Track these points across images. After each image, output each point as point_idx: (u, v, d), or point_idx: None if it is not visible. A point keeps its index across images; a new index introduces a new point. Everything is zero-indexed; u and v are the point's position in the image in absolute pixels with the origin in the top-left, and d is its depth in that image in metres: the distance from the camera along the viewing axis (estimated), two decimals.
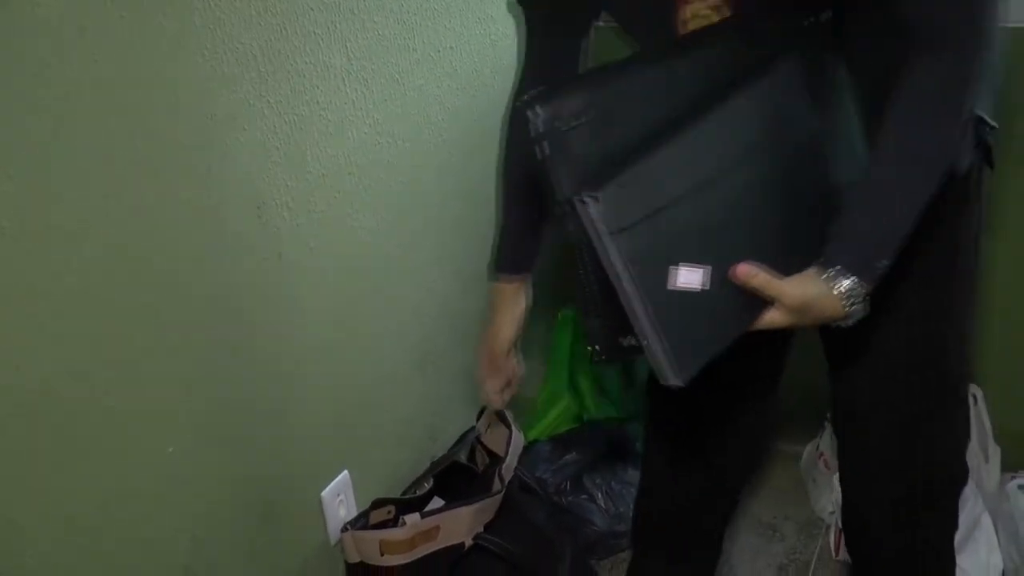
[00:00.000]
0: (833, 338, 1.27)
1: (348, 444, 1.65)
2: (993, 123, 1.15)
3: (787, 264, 0.98)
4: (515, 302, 1.42)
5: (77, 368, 1.08)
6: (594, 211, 0.85)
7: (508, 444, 1.69)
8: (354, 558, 1.61)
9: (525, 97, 0.86)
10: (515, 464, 1.70)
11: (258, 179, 1.32)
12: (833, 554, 2.06)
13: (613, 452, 2.09)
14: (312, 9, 1.36)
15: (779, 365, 1.49)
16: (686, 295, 0.91)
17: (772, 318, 1.00)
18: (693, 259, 0.90)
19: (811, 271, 0.99)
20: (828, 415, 2.17)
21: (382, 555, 1.58)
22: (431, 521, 1.59)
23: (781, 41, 0.99)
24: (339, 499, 1.64)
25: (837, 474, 1.96)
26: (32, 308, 1.01)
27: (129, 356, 1.15)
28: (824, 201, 1.00)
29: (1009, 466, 1.99)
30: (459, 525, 1.59)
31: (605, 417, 2.26)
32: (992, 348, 2.10)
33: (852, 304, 0.98)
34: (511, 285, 1.41)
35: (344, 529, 1.60)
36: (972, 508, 1.86)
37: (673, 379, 0.91)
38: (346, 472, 1.65)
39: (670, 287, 0.89)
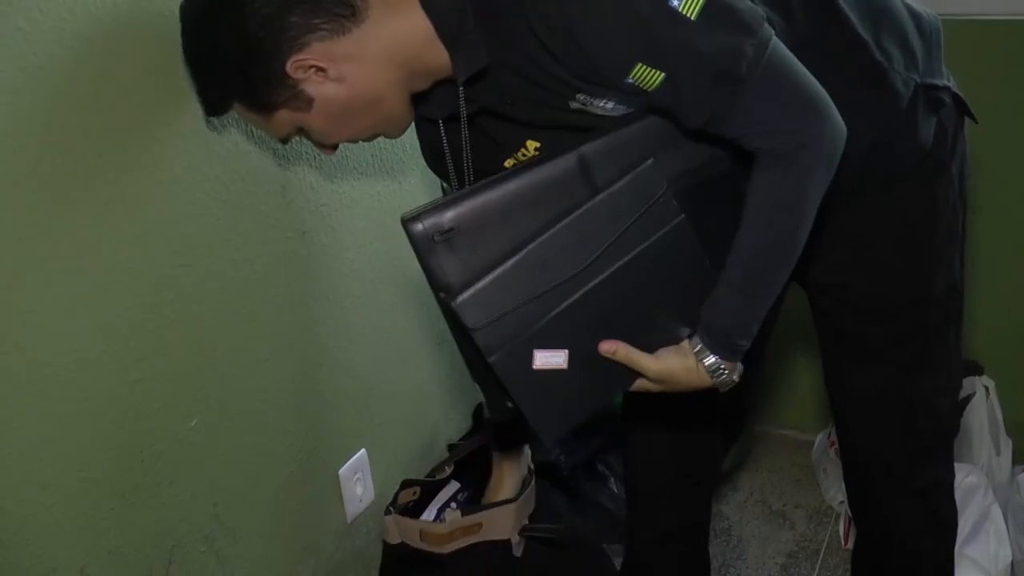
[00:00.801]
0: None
1: (366, 423, 1.68)
2: (945, 82, 1.21)
3: (662, 337, 1.10)
4: None
5: (106, 335, 1.11)
6: (460, 311, 0.99)
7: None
8: (395, 539, 1.65)
9: (404, 214, 1.00)
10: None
11: (283, 159, 1.35)
12: (843, 543, 2.08)
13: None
14: None
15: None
16: (552, 372, 1.03)
17: (642, 384, 1.11)
18: (558, 338, 1.03)
19: (682, 345, 1.10)
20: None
21: (421, 540, 1.62)
22: (473, 519, 1.62)
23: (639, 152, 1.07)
24: (356, 477, 1.66)
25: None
26: (74, 283, 1.04)
27: (154, 326, 1.18)
28: (701, 279, 1.08)
29: (1020, 459, 2.00)
30: (503, 523, 1.62)
31: (617, 402, 2.27)
32: (1004, 342, 2.12)
33: (719, 376, 1.09)
34: None
35: (387, 512, 1.65)
36: (982, 499, 1.87)
37: (544, 440, 1.10)
38: (364, 451, 1.67)
39: (534, 367, 1.03)
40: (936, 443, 1.44)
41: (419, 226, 0.99)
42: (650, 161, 1.06)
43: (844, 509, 2.08)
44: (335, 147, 1.13)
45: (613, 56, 0.95)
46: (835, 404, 1.48)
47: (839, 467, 2.10)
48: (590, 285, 1.04)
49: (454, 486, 1.77)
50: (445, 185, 1.28)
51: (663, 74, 0.95)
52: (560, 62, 0.98)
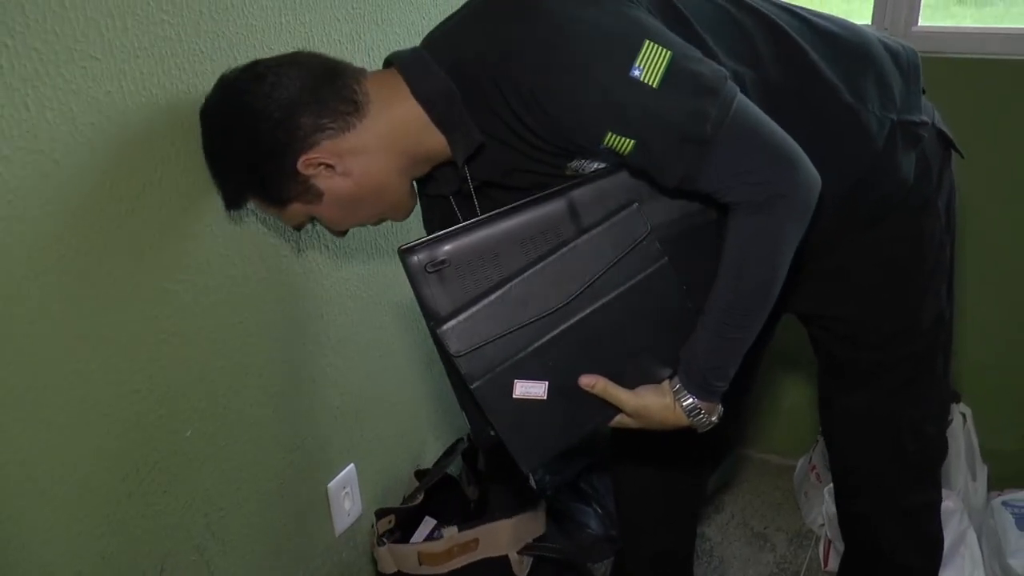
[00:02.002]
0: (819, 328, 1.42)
1: (356, 438, 1.71)
2: (923, 117, 1.24)
3: (642, 374, 1.13)
4: None
5: (104, 347, 1.15)
6: (445, 338, 1.04)
7: None
8: (390, 568, 1.69)
9: (401, 245, 1.06)
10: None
11: None
12: (822, 565, 2.11)
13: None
14: (338, 19, 1.43)
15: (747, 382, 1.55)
16: (532, 402, 1.08)
17: (621, 420, 1.15)
18: (540, 370, 1.07)
19: (660, 385, 1.13)
20: (820, 430, 2.22)
21: (420, 564, 1.65)
22: (469, 535, 1.66)
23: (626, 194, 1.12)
24: (345, 491, 1.70)
25: (828, 486, 2.04)
26: (75, 294, 1.08)
27: (152, 339, 1.22)
28: (681, 321, 1.12)
29: (995, 484, 2.05)
30: (499, 538, 1.66)
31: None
32: (980, 371, 2.16)
33: (696, 416, 1.12)
34: None
35: (380, 543, 1.69)
36: (958, 524, 1.91)
37: (522, 467, 1.12)
38: (352, 466, 1.71)
39: (514, 396, 1.07)
40: (924, 466, 1.49)
41: (414, 258, 1.06)
42: (635, 206, 1.10)
43: (824, 532, 2.12)
44: (345, 232, 1.22)
45: (584, 126, 1.01)
46: (826, 425, 1.53)
47: (819, 491, 2.15)
48: (571, 320, 1.08)
49: (430, 522, 1.80)
50: None
51: (632, 140, 1.00)
52: (538, 134, 1.04)
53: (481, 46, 1.04)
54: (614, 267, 1.09)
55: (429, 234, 1.18)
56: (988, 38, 2.01)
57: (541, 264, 1.07)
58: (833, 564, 2.08)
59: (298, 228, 1.22)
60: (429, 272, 1.06)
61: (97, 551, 1.19)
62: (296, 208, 1.12)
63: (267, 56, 1.12)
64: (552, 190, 1.10)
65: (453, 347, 1.04)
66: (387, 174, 1.11)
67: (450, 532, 1.64)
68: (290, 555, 1.58)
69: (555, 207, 1.09)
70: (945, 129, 1.30)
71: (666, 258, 1.10)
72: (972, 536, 1.91)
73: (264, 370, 1.44)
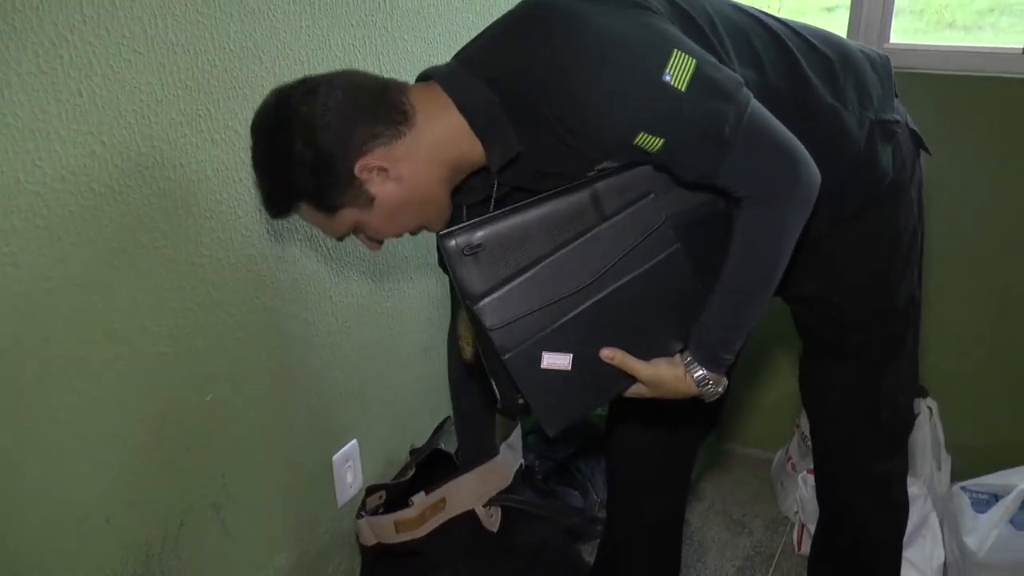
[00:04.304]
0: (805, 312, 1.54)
1: (359, 415, 1.84)
2: (895, 117, 1.35)
3: (655, 348, 1.23)
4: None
5: (137, 312, 1.28)
6: (480, 314, 1.15)
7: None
8: (370, 540, 1.79)
9: (440, 231, 1.16)
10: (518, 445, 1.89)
11: None
12: (795, 548, 2.23)
13: (597, 443, 2.25)
14: (352, 25, 1.57)
15: None
16: (558, 372, 1.19)
17: (636, 389, 1.25)
18: (564, 346, 1.18)
19: (674, 357, 1.23)
20: (796, 423, 2.35)
21: (398, 533, 1.76)
22: (436, 495, 1.76)
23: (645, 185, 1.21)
24: (347, 465, 1.82)
25: (802, 474, 2.16)
26: (116, 266, 1.21)
27: (179, 307, 1.35)
28: (695, 298, 1.22)
29: (958, 475, 2.17)
30: (465, 493, 1.77)
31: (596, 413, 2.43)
32: (946, 367, 2.30)
33: (705, 386, 1.23)
34: None
35: (359, 516, 1.79)
36: (922, 507, 2.03)
37: (548, 430, 1.23)
38: (355, 441, 1.83)
39: (542, 367, 1.18)
40: (895, 435, 1.61)
41: (452, 241, 1.14)
42: (651, 196, 1.20)
43: (798, 518, 2.24)
44: (382, 243, 1.25)
45: (621, 126, 1.10)
46: (809, 400, 1.63)
47: (795, 481, 2.27)
48: (594, 299, 1.18)
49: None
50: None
51: (662, 139, 1.09)
52: (578, 137, 1.13)
53: (523, 60, 1.12)
54: (632, 252, 1.19)
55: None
56: (953, 56, 2.16)
57: (567, 248, 1.17)
58: (806, 548, 2.19)
59: (341, 238, 1.23)
60: (466, 255, 1.14)
61: (125, 499, 1.31)
62: (346, 215, 1.15)
63: (284, 58, 1.25)
64: (576, 183, 1.19)
65: (488, 321, 1.14)
66: (433, 182, 1.17)
67: (419, 498, 1.75)
68: (296, 520, 1.70)
69: (579, 197, 1.18)
70: (915, 128, 1.42)
71: (679, 244, 1.20)
72: (934, 519, 2.03)
73: (277, 344, 1.56)
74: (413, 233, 1.25)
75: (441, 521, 1.78)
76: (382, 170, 1.12)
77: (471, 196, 1.26)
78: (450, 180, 1.20)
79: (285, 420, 1.62)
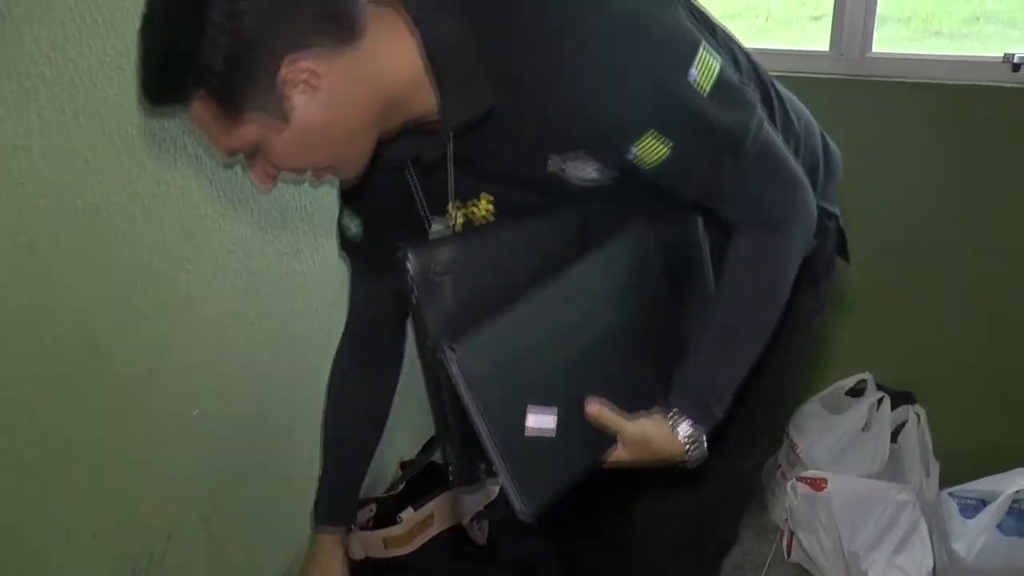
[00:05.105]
0: None
1: None
2: (833, 211, 1.26)
3: (639, 401, 1.06)
4: (333, 555, 1.41)
5: (120, 327, 1.28)
6: (455, 362, 0.92)
7: None
8: (359, 555, 1.78)
9: (400, 247, 0.95)
10: None
11: (280, 187, 1.53)
12: (785, 556, 2.24)
13: None
14: None
15: None
16: (541, 437, 0.98)
17: (618, 455, 1.07)
18: (548, 400, 0.98)
19: (655, 413, 1.06)
20: (786, 431, 2.36)
21: (387, 548, 1.77)
22: (424, 511, 1.77)
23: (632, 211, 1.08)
24: None
25: (791, 482, 2.17)
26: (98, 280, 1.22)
27: (164, 322, 1.35)
28: (675, 345, 1.08)
29: (947, 480, 2.18)
30: (452, 508, 1.77)
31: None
32: (934, 375, 2.32)
33: (693, 445, 1.06)
34: (331, 536, 1.40)
35: (348, 530, 1.77)
36: (911, 514, 2.04)
37: (521, 511, 0.99)
38: None
39: (526, 433, 0.97)
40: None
41: (415, 260, 0.95)
42: (640, 224, 1.07)
43: (787, 527, 2.24)
44: (275, 180, 0.99)
45: (626, 122, 0.93)
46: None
47: (784, 489, 2.28)
48: (582, 342, 1.01)
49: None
50: (354, 264, 1.26)
51: (670, 145, 0.94)
52: (562, 119, 0.94)
53: (520, 10, 0.91)
54: (622, 286, 1.05)
55: (355, 212, 1.12)
56: (935, 64, 2.18)
57: (556, 280, 1.00)
58: (796, 555, 2.20)
59: (230, 156, 0.95)
60: (432, 279, 0.95)
61: (113, 514, 1.31)
62: (250, 126, 0.89)
63: None
64: (560, 204, 1.05)
65: (465, 372, 0.92)
66: (366, 114, 0.94)
67: (408, 514, 1.76)
68: (286, 532, 1.70)
69: (565, 220, 1.04)
70: (844, 231, 1.30)
71: (664, 278, 1.09)
72: (923, 525, 2.04)
73: (265, 360, 1.57)
74: (316, 177, 1.01)
75: (429, 536, 1.79)
76: (310, 80, 0.88)
77: (396, 152, 1.04)
78: (382, 121, 0.96)
79: (274, 431, 1.63)
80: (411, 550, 1.78)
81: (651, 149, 0.94)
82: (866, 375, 2.31)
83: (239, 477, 1.56)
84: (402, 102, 0.96)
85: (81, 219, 1.18)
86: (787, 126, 1.19)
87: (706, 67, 0.93)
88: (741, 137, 0.96)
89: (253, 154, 0.94)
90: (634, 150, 0.94)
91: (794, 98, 1.26)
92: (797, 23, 2.93)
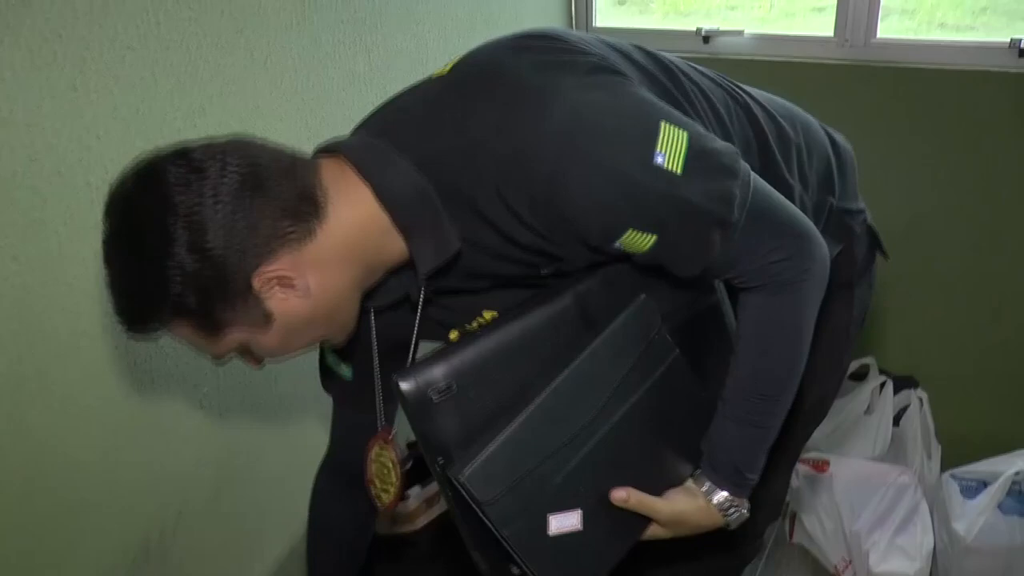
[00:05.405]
0: None
1: None
2: (857, 207, 1.23)
3: (667, 476, 1.04)
4: None
5: None
6: (463, 488, 0.89)
7: None
8: None
9: (394, 375, 0.90)
10: None
11: None
12: (788, 538, 2.25)
13: None
14: (342, 22, 1.60)
15: None
16: (567, 535, 0.95)
17: (654, 531, 1.04)
18: (570, 499, 0.95)
19: (687, 486, 1.04)
20: None
21: (393, 525, 1.79)
22: (431, 489, 1.79)
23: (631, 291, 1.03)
24: None
25: (796, 463, 2.18)
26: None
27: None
28: (699, 409, 1.05)
29: (948, 464, 2.19)
30: None
31: None
32: (936, 359, 2.34)
33: (731, 514, 1.03)
34: None
35: None
36: (912, 496, 2.07)
37: None
38: None
39: (550, 534, 0.94)
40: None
41: (412, 386, 0.90)
42: (643, 297, 1.01)
43: (790, 508, 2.26)
44: (263, 362, 0.98)
45: (603, 225, 0.90)
46: None
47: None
48: (599, 435, 0.97)
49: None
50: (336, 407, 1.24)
51: (654, 236, 0.90)
52: (541, 236, 0.92)
53: (471, 139, 0.89)
54: (629, 367, 0.99)
55: (336, 357, 1.08)
56: (941, 50, 2.18)
57: (562, 377, 0.94)
58: (798, 536, 2.22)
59: (219, 361, 0.95)
60: (434, 401, 0.90)
61: (128, 484, 1.34)
62: (233, 337, 0.89)
63: (274, 53, 1.25)
64: (554, 287, 1.00)
65: (480, 495, 0.89)
66: (345, 291, 0.92)
67: (415, 491, 1.77)
68: (291, 506, 1.71)
69: (562, 305, 0.98)
70: (874, 227, 1.28)
71: (677, 350, 1.03)
72: (924, 507, 2.07)
73: None
74: (305, 351, 0.99)
75: (435, 514, 1.80)
76: (285, 281, 0.87)
77: (382, 298, 1.01)
78: (363, 285, 0.96)
79: (284, 409, 1.64)
80: (417, 527, 1.80)
81: (635, 242, 0.91)
82: (869, 359, 2.33)
83: (250, 453, 1.58)
84: (379, 259, 0.94)
85: (94, 196, 1.20)
86: (785, 146, 1.15)
87: (673, 144, 0.88)
88: (725, 210, 0.91)
89: (244, 351, 0.94)
90: (618, 245, 0.92)
91: (788, 105, 1.21)
92: (800, 15, 2.93)
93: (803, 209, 1.12)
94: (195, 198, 0.81)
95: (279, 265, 0.85)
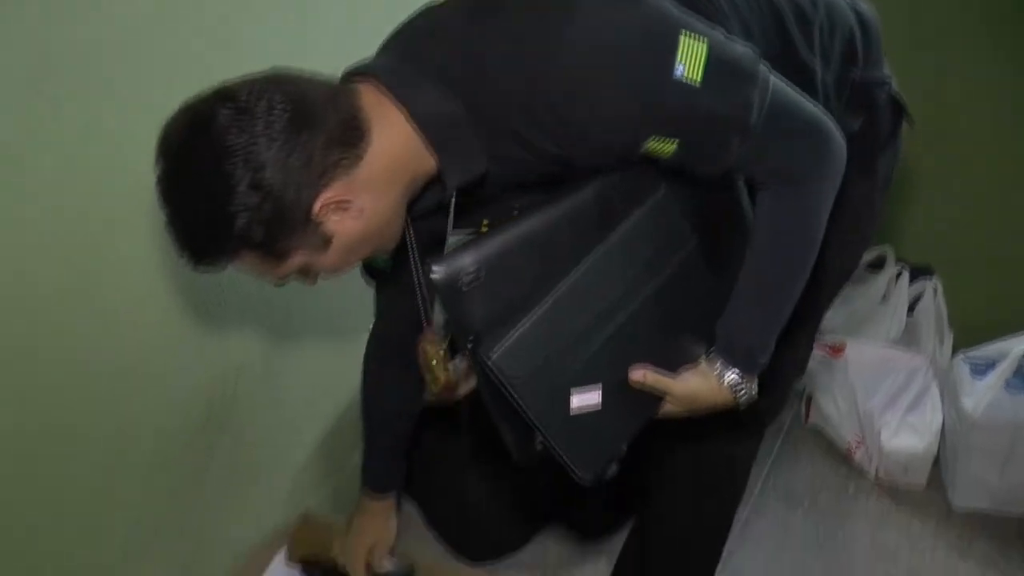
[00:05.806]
0: None
1: None
2: (882, 75, 1.25)
3: (682, 358, 1.11)
4: (385, 516, 1.50)
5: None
6: (492, 366, 0.97)
7: None
8: None
9: (427, 261, 0.99)
10: None
11: None
12: (803, 420, 2.36)
13: None
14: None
15: None
16: (588, 411, 1.03)
17: (667, 410, 1.12)
18: (591, 378, 1.02)
19: (700, 366, 1.11)
20: None
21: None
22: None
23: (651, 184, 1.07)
24: None
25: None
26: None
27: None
28: (715, 298, 1.11)
29: (959, 345, 2.27)
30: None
31: None
32: (950, 248, 2.39)
33: (741, 394, 1.11)
34: (379, 503, 1.48)
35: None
36: (924, 377, 2.17)
37: (580, 479, 1.06)
38: None
39: (571, 412, 1.02)
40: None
41: (443, 273, 0.97)
42: (663, 189, 1.06)
43: (805, 390, 2.35)
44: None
45: (626, 135, 0.95)
46: None
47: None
48: (619, 319, 1.03)
49: None
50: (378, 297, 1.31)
51: (676, 141, 0.96)
52: (564, 149, 0.98)
53: (495, 59, 0.94)
54: (651, 256, 1.06)
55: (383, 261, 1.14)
56: None
57: (584, 264, 1.01)
58: (814, 418, 2.33)
59: (281, 283, 1.01)
60: (464, 289, 0.97)
61: (194, 347, 1.44)
62: (295, 261, 0.95)
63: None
64: (575, 183, 1.04)
65: (508, 372, 0.97)
66: (393, 205, 0.99)
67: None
68: (337, 380, 1.83)
69: (582, 199, 1.03)
70: (899, 97, 1.30)
71: (696, 239, 1.09)
72: (935, 388, 2.17)
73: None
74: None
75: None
76: (341, 204, 0.93)
77: (420, 207, 1.07)
78: (406, 199, 1.02)
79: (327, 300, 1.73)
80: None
81: (659, 148, 0.97)
82: (886, 248, 2.39)
83: (292, 323, 1.68)
84: (417, 175, 1.00)
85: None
86: (806, 26, 1.16)
87: (691, 55, 0.92)
88: (744, 115, 0.95)
89: (303, 272, 0.99)
90: (642, 152, 0.98)
91: None
92: None
93: (824, 88, 1.18)
94: (248, 138, 0.86)
95: (334, 192, 0.91)
